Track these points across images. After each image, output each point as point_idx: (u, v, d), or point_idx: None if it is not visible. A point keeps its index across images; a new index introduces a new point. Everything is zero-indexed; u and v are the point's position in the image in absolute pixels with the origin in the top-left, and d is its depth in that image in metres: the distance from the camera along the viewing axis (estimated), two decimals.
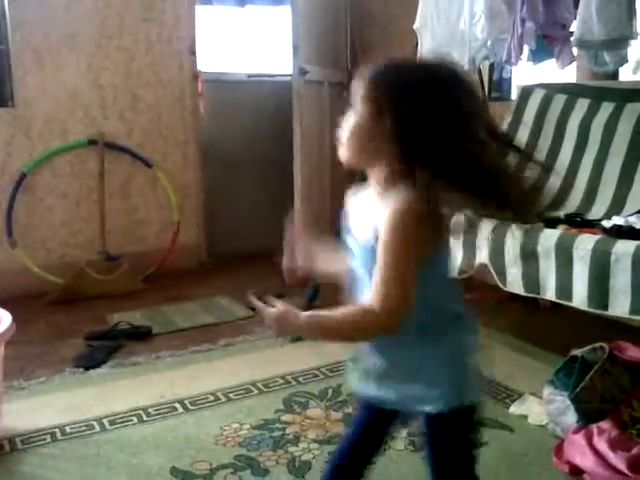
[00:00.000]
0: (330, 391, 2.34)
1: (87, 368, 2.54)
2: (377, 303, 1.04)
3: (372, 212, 1.10)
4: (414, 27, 2.92)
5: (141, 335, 2.86)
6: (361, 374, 1.23)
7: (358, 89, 1.11)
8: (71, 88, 3.56)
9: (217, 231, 4.17)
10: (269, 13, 4.33)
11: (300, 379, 2.44)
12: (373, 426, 1.28)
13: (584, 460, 1.75)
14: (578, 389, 1.89)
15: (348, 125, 1.13)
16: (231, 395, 2.30)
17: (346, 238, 1.19)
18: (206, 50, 4.04)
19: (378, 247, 1.05)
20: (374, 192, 1.14)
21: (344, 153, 1.15)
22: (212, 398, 2.28)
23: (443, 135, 1.03)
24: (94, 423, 2.12)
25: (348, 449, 1.31)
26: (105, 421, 2.13)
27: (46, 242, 3.59)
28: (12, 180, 3.44)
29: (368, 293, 1.07)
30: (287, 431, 2.07)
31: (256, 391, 2.34)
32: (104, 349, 2.70)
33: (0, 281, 3.35)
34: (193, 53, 3.90)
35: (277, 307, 1.10)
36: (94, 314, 3.10)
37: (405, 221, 1.03)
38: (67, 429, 2.09)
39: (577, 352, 2.01)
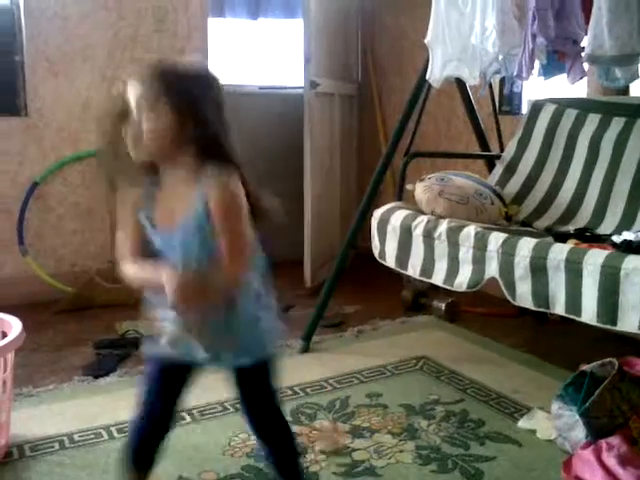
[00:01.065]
0: (338, 403, 2.35)
1: (96, 376, 2.55)
2: (231, 260, 1.29)
3: (184, 197, 1.31)
4: (425, 41, 2.93)
5: None
6: (178, 335, 1.39)
7: (146, 94, 1.29)
8: (84, 98, 3.59)
9: None
10: (281, 26, 4.36)
11: (308, 390, 2.45)
12: (171, 385, 1.48)
13: (593, 476, 1.74)
14: (587, 404, 1.88)
15: (148, 128, 1.29)
16: (239, 405, 2.30)
17: (147, 226, 1.36)
18: (218, 62, 4.06)
19: (216, 219, 1.28)
20: (178, 180, 1.33)
21: (146, 152, 1.31)
22: (220, 408, 2.29)
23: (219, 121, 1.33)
24: (102, 431, 2.13)
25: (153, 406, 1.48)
26: (113, 429, 2.14)
27: (57, 251, 3.62)
28: (24, 189, 3.47)
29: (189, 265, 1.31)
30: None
31: None
32: (113, 357, 2.72)
33: (11, 289, 3.37)
34: None
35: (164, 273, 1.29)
36: (103, 322, 3.12)
37: (236, 200, 1.30)
38: (75, 437, 2.10)
39: (586, 367, 2.00)
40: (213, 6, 4.04)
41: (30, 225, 3.52)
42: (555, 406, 2.01)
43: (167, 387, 1.48)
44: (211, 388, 2.43)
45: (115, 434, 2.11)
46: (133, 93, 1.31)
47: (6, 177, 3.44)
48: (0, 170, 3.44)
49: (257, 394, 1.49)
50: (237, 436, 2.09)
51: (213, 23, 4.01)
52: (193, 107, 1.29)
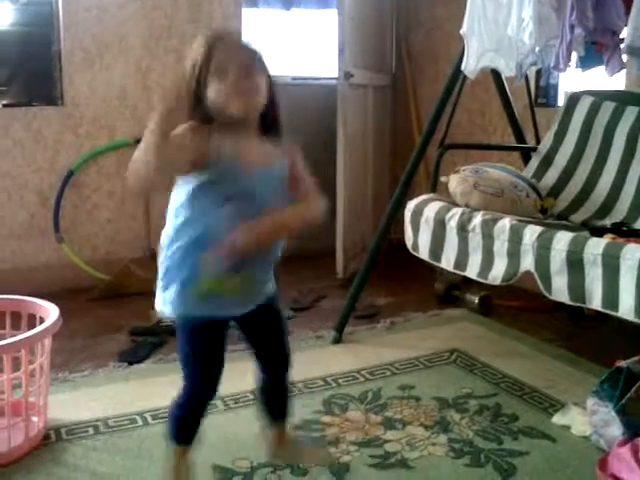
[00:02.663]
0: (370, 394, 2.35)
1: (131, 363, 2.59)
2: (315, 190, 1.56)
3: (265, 151, 1.49)
4: (461, 32, 2.90)
5: None
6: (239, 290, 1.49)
7: (259, 64, 1.48)
8: (119, 88, 3.63)
9: None
10: (315, 16, 4.35)
11: (340, 381, 2.45)
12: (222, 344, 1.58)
13: (632, 476, 1.71)
14: (623, 401, 1.86)
15: (263, 88, 1.46)
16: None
17: (233, 170, 1.42)
18: None
19: (299, 168, 1.55)
20: (250, 137, 1.47)
21: (258, 106, 1.46)
22: (253, 397, 2.30)
23: None
24: (136, 417, 2.16)
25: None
26: (147, 415, 2.17)
27: (91, 239, 3.66)
28: (60, 177, 3.52)
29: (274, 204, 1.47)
30: (326, 432, 2.08)
31: (296, 391, 2.34)
32: (147, 345, 2.75)
33: (47, 275, 3.42)
34: None
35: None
36: (138, 310, 3.15)
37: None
38: (110, 422, 2.13)
39: (623, 363, 1.97)
40: None
41: (65, 213, 3.57)
42: (590, 402, 1.99)
43: (220, 347, 1.57)
44: (244, 376, 2.45)
45: (149, 420, 2.14)
46: (251, 58, 1.47)
47: (43, 166, 3.49)
48: (37, 159, 3.49)
49: (282, 323, 1.72)
50: None
51: (247, 13, 4.02)
52: (273, 89, 1.51)
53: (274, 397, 1.78)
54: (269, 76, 1.50)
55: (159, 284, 1.49)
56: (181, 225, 1.44)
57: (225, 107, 1.41)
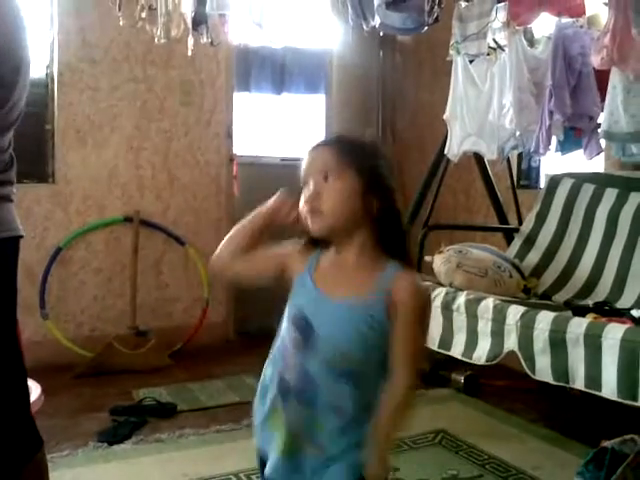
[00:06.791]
0: None
1: (111, 443, 2.54)
2: (410, 374, 1.16)
3: (356, 277, 1.19)
4: (444, 117, 3.01)
5: (166, 412, 2.85)
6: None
7: (336, 156, 1.20)
8: (111, 167, 3.69)
9: (246, 308, 4.19)
10: (304, 100, 4.48)
11: None
12: None
13: None
14: None
15: (333, 194, 1.18)
16: (253, 477, 2.27)
17: (308, 291, 1.22)
18: (242, 134, 4.17)
19: (401, 321, 1.15)
20: (348, 258, 1.21)
21: (325, 221, 1.19)
22: (234, 479, 2.26)
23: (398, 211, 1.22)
24: None
25: None
26: None
27: (77, 315, 3.65)
28: (48, 254, 3.53)
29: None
30: None
31: None
32: (128, 425, 2.70)
33: (30, 351, 3.35)
34: (230, 137, 4.03)
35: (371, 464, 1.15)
36: (120, 389, 3.11)
37: (429, 302, 1.21)
38: None
39: (607, 444, 1.97)
40: (239, 81, 4.18)
41: (52, 289, 3.57)
42: None
43: None
44: (225, 458, 2.41)
45: None
46: (317, 159, 1.23)
47: (32, 242, 3.51)
48: (26, 235, 3.50)
49: None
50: None
51: (238, 97, 4.14)
52: (382, 185, 1.21)
53: None
54: (367, 171, 1.20)
55: None
56: None
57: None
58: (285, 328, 1.24)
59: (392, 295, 1.16)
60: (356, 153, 1.21)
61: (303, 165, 1.24)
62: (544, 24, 2.88)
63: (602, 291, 2.67)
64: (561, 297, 2.72)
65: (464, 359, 2.34)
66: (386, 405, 1.16)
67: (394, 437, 1.19)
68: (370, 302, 1.16)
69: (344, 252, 1.21)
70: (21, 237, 1.51)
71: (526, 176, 3.65)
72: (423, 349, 1.22)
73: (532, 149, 2.85)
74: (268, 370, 1.27)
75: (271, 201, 1.28)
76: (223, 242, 1.28)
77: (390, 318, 1.15)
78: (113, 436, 2.59)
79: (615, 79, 2.44)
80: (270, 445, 1.23)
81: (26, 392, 1.57)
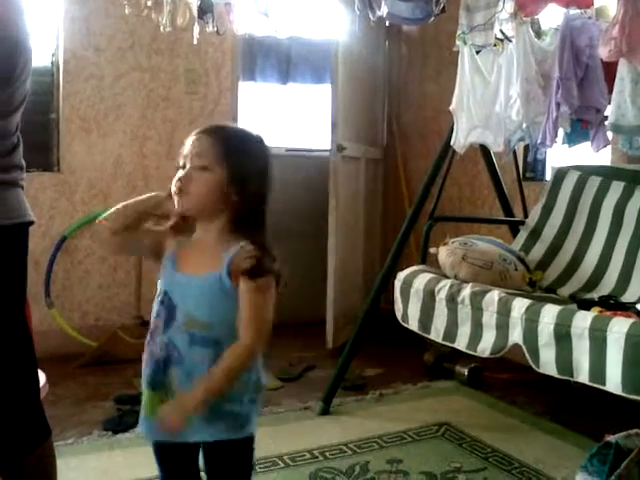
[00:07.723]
0: (357, 468, 2.31)
1: (115, 432, 2.55)
2: (250, 336, 1.32)
3: (211, 255, 1.34)
4: (450, 108, 2.99)
5: None
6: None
7: (211, 149, 1.35)
8: (115, 156, 3.69)
9: None
10: (310, 91, 4.46)
11: (327, 454, 2.42)
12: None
13: None
14: (613, 477, 1.84)
15: (201, 180, 1.35)
16: (256, 467, 2.28)
17: (169, 272, 1.39)
18: (247, 124, 4.16)
19: (242, 289, 1.31)
20: (208, 236, 1.38)
21: (190, 202, 1.36)
22: None
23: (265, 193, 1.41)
24: None
25: None
26: None
27: (82, 304, 3.66)
28: (53, 242, 3.54)
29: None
30: None
31: (282, 464, 2.32)
32: (133, 413, 2.70)
33: (35, 340, 3.38)
34: None
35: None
36: (125, 378, 3.12)
37: (264, 270, 1.33)
38: None
39: (611, 438, 1.96)
40: (244, 71, 4.17)
41: (57, 278, 3.57)
42: (579, 478, 1.97)
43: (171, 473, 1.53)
44: None
45: None
46: (197, 145, 1.37)
47: (37, 231, 3.51)
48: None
49: (227, 473, 1.45)
50: None
51: (244, 87, 4.13)
52: (244, 180, 1.35)
53: None
54: (234, 167, 1.35)
55: None
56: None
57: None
58: (155, 306, 1.41)
59: (233, 265, 1.32)
60: (230, 147, 1.36)
61: (184, 148, 1.40)
62: (552, 15, 2.86)
63: (607, 285, 2.65)
64: (566, 290, 2.71)
65: (468, 351, 2.34)
66: (222, 358, 1.30)
67: (217, 388, 1.31)
68: (221, 275, 1.32)
69: (205, 235, 1.38)
70: (32, 223, 1.52)
71: (532, 168, 3.63)
72: (264, 314, 1.34)
73: (539, 141, 2.83)
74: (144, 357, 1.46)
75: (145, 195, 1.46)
76: (110, 212, 1.43)
77: (237, 288, 1.32)
78: (118, 425, 2.60)
79: (623, 71, 2.42)
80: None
81: (36, 379, 1.58)
